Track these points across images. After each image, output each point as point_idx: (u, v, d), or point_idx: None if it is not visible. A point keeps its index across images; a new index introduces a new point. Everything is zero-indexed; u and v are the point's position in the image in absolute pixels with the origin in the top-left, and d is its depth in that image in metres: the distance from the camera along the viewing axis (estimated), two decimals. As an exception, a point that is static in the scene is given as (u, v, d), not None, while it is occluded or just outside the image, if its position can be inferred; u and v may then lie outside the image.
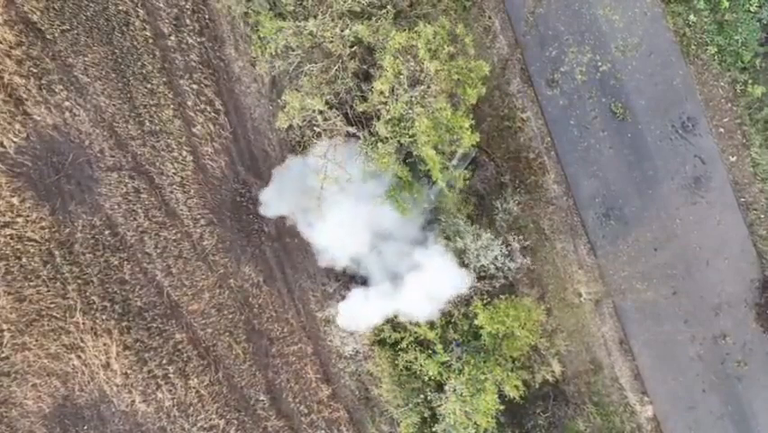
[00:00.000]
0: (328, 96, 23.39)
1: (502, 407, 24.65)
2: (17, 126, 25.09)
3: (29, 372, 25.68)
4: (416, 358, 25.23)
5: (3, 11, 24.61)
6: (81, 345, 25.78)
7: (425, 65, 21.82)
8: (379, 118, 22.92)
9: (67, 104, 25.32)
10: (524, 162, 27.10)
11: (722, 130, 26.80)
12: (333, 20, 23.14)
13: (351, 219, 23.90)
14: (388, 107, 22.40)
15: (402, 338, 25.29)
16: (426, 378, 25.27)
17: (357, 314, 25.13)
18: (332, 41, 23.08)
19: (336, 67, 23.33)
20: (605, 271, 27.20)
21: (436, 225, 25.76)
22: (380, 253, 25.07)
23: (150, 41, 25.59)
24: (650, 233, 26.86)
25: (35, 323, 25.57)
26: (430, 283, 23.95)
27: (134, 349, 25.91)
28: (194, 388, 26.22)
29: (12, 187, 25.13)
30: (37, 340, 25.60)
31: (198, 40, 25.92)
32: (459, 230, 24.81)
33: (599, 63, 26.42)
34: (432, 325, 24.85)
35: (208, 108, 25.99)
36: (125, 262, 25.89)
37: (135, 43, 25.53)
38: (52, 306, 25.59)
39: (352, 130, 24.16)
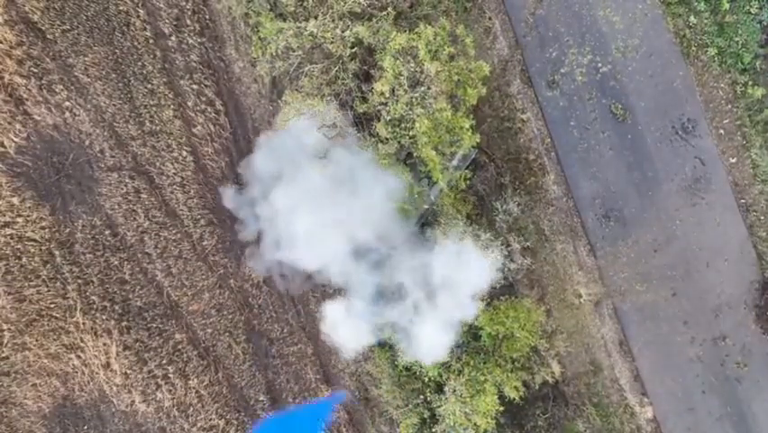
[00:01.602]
0: (328, 97, 23.40)
1: (502, 408, 24.68)
2: (18, 126, 25.11)
3: (29, 371, 25.70)
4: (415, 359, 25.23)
5: (3, 11, 24.63)
6: (81, 345, 25.80)
7: (426, 66, 21.84)
8: (379, 119, 22.94)
9: (67, 104, 25.33)
10: (524, 163, 27.11)
11: (722, 131, 26.81)
12: (333, 21, 23.15)
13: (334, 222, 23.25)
14: (388, 108, 22.43)
15: (401, 338, 25.27)
16: (426, 379, 25.29)
17: (343, 332, 24.31)
18: (332, 42, 23.09)
19: (337, 68, 23.35)
20: (605, 272, 27.21)
21: (436, 226, 25.71)
22: (376, 260, 24.64)
23: (151, 41, 25.62)
24: (650, 234, 26.86)
25: (35, 323, 25.59)
26: (457, 282, 22.91)
27: (134, 349, 25.93)
28: (194, 388, 26.24)
29: (12, 187, 25.15)
30: (37, 340, 25.62)
31: (199, 40, 25.94)
32: (459, 231, 24.80)
33: (600, 64, 26.44)
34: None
35: (209, 109, 26.01)
36: (125, 263, 25.91)
37: (136, 43, 25.55)
38: (52, 306, 25.60)
39: (352, 131, 24.16)
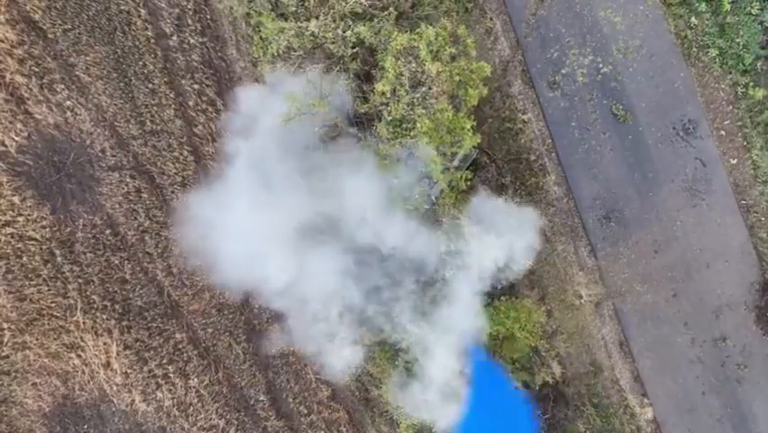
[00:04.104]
0: (329, 97, 23.40)
1: (502, 408, 24.73)
2: (19, 125, 25.12)
3: (29, 371, 25.72)
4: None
5: (5, 10, 24.65)
6: (81, 344, 25.81)
7: (427, 66, 21.87)
8: (380, 119, 22.96)
9: (68, 103, 25.35)
10: (524, 164, 27.13)
11: (723, 132, 26.83)
12: (334, 21, 23.17)
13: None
14: (389, 108, 22.46)
15: (402, 339, 25.32)
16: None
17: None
18: (333, 42, 23.13)
19: (338, 68, 23.37)
20: (605, 273, 27.24)
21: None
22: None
23: (152, 40, 25.63)
24: (650, 235, 26.89)
25: (36, 322, 25.61)
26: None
27: (134, 349, 25.95)
28: (194, 388, 26.26)
29: (13, 186, 25.17)
30: (37, 339, 25.64)
31: (200, 40, 25.96)
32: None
33: (601, 65, 26.46)
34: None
35: (210, 108, 26.03)
36: (126, 262, 25.92)
37: (137, 43, 25.56)
38: (53, 305, 25.62)
39: (353, 131, 24.18)
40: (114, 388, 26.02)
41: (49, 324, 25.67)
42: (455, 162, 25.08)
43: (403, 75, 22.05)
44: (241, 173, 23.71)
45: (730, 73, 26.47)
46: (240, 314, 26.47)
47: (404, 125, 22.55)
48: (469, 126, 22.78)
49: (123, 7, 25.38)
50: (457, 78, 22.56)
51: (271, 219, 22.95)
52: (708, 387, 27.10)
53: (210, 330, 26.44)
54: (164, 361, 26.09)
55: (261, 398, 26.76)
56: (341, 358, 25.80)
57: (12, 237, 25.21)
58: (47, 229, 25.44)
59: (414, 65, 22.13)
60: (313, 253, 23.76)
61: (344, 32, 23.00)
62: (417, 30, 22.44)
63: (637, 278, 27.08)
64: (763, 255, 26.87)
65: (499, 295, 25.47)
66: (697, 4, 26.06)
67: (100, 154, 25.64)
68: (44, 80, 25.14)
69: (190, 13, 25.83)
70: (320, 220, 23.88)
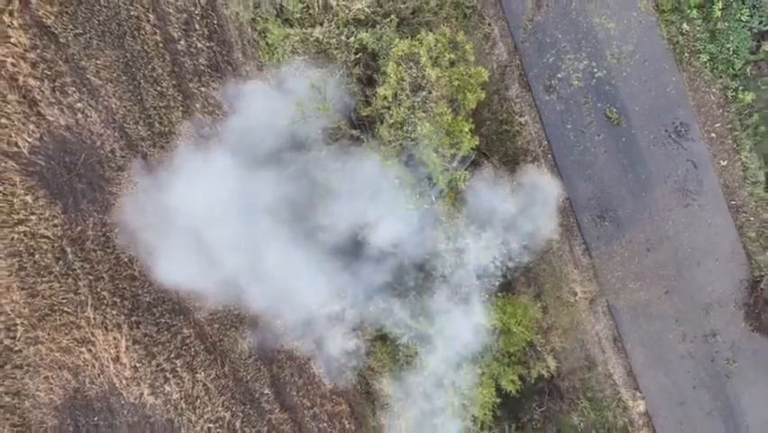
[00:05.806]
0: (333, 101, 23.79)
1: (499, 400, 25.15)
2: (31, 127, 25.36)
3: (41, 364, 25.95)
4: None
5: (18, 15, 24.95)
6: (92, 339, 26.06)
7: (427, 71, 22.22)
8: (382, 122, 23.34)
9: (79, 105, 25.59)
10: (521, 165, 27.49)
11: (713, 135, 27.21)
12: (338, 27, 23.50)
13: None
14: (390, 112, 22.80)
15: (403, 334, 25.80)
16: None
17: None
18: (337, 48, 23.46)
19: (341, 73, 23.74)
20: (599, 270, 27.68)
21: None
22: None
23: (161, 45, 25.89)
24: (643, 234, 27.34)
25: (47, 317, 25.83)
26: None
27: (143, 343, 26.21)
28: (201, 381, 26.56)
29: (25, 185, 25.40)
30: (49, 334, 25.85)
31: (207, 44, 26.27)
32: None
33: (595, 70, 26.90)
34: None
35: (216, 111, 26.41)
36: (135, 259, 26.21)
37: (146, 47, 25.86)
38: (64, 301, 25.86)
39: (355, 133, 24.61)
40: (124, 381, 26.27)
41: (60, 319, 25.89)
42: (454, 163, 25.46)
43: (404, 80, 22.38)
44: (239, 173, 24.23)
45: (720, 77, 26.85)
46: (246, 310, 26.79)
47: (405, 128, 22.92)
48: (467, 129, 23.17)
49: (132, 12, 25.68)
50: (456, 82, 22.93)
51: (264, 218, 23.51)
52: (699, 381, 27.57)
53: (217, 326, 26.74)
54: (172, 355, 26.38)
55: (266, 391, 27.06)
56: (342, 353, 26.38)
57: (24, 235, 25.47)
58: (58, 227, 25.66)
59: (414, 70, 22.46)
60: (313, 252, 24.28)
61: (348, 38, 23.34)
62: (418, 36, 22.82)
63: (630, 276, 27.53)
64: (751, 254, 27.27)
65: (496, 291, 25.87)
66: (688, 11, 26.45)
67: (110, 155, 25.90)
68: (56, 83, 25.37)
69: (197, 18, 26.12)
70: (320, 219, 24.36)
